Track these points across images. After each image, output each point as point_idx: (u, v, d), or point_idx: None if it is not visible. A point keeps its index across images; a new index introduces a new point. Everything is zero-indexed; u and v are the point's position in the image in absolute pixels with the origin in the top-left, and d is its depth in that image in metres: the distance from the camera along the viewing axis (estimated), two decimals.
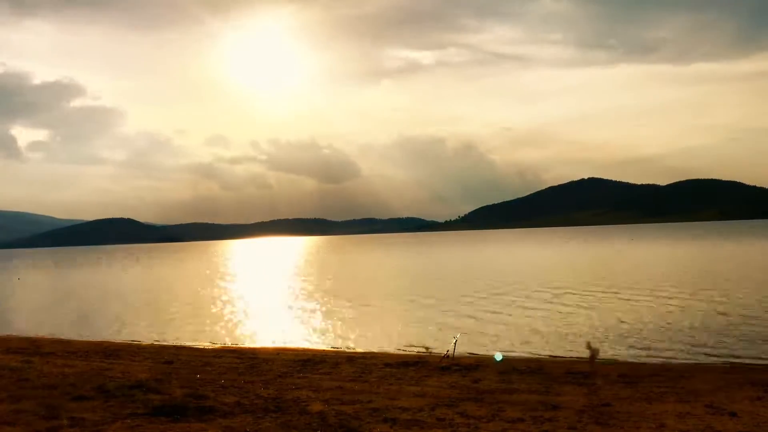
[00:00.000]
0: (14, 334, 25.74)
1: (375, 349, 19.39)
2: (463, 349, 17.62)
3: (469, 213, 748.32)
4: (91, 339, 23.67)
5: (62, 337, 24.47)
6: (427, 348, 18.63)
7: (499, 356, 17.05)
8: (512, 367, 14.50)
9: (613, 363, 15.50)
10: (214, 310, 31.35)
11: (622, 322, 22.39)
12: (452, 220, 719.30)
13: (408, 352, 18.43)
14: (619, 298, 29.16)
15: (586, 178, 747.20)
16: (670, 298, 28.47)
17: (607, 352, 17.25)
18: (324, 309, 30.03)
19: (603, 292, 32.03)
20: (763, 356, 16.32)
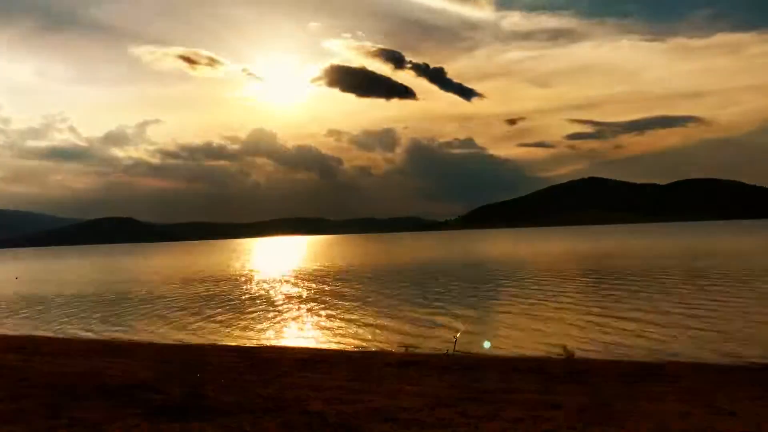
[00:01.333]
0: (14, 332, 25.74)
1: (375, 349, 19.40)
2: (463, 348, 17.64)
3: (468, 213, 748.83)
4: (91, 337, 23.68)
5: (62, 335, 24.47)
6: (427, 347, 18.64)
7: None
8: (512, 366, 14.50)
9: (614, 361, 15.51)
10: (215, 308, 31.35)
11: (623, 320, 22.39)
12: (451, 219, 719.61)
13: (408, 352, 18.43)
14: (620, 296, 29.16)
15: (586, 177, 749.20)
16: (670, 295, 28.48)
17: (608, 350, 17.26)
18: (324, 307, 30.01)
19: (604, 289, 32.06)
20: (764, 355, 16.31)
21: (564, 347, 16.32)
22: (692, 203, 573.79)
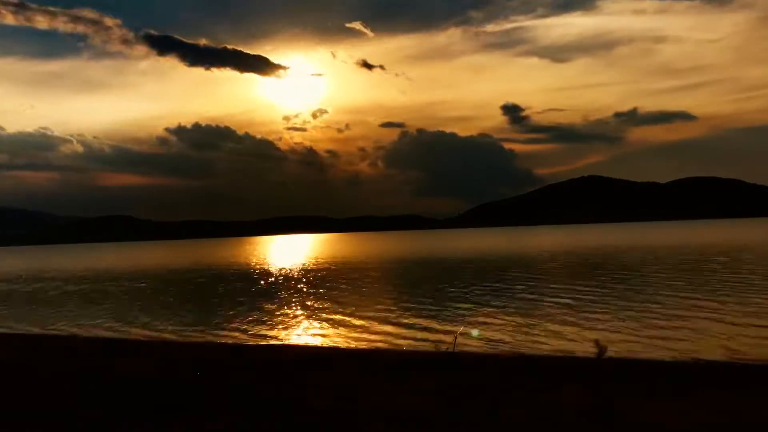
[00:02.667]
0: (15, 331, 25.74)
1: (376, 346, 19.40)
2: (463, 346, 17.62)
3: (468, 211, 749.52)
4: (92, 335, 23.66)
5: (63, 333, 24.46)
6: (428, 344, 18.62)
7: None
8: (514, 364, 14.48)
9: (616, 360, 15.48)
10: (216, 306, 31.35)
11: (625, 318, 22.37)
12: (451, 218, 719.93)
13: (409, 349, 18.42)
14: (622, 294, 29.12)
15: (586, 176, 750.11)
16: (672, 293, 28.44)
17: (610, 349, 17.23)
18: (325, 306, 30.00)
19: (605, 286, 32.03)
20: (764, 354, 16.29)
21: (597, 341, 16.13)
22: (692, 201, 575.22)
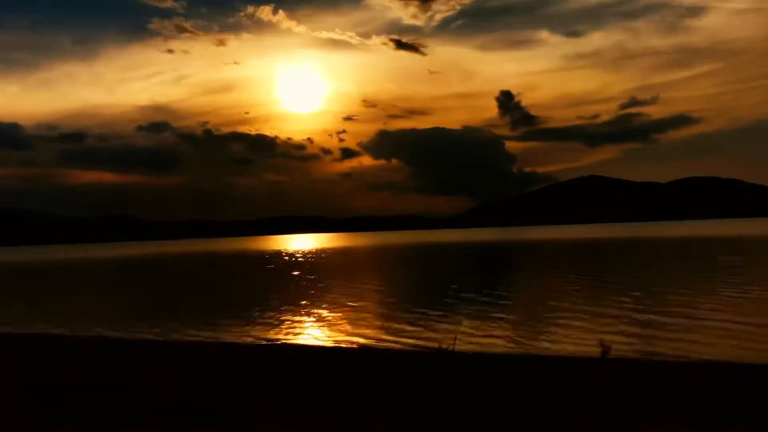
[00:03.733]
0: (11, 331, 25.70)
1: (377, 345, 19.36)
2: (464, 346, 17.59)
3: (468, 211, 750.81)
4: (90, 335, 23.61)
5: (60, 333, 24.42)
6: (428, 343, 18.58)
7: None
8: (514, 363, 14.44)
9: (619, 360, 15.44)
10: (215, 306, 31.31)
11: (629, 317, 22.31)
12: (452, 217, 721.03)
13: (410, 348, 18.38)
14: (627, 293, 29.06)
15: (586, 176, 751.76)
16: (675, 293, 28.40)
17: (614, 348, 17.18)
18: (325, 305, 29.95)
19: (607, 286, 32.01)
20: (765, 355, 16.23)
21: (600, 341, 16.04)
22: (692, 201, 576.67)
